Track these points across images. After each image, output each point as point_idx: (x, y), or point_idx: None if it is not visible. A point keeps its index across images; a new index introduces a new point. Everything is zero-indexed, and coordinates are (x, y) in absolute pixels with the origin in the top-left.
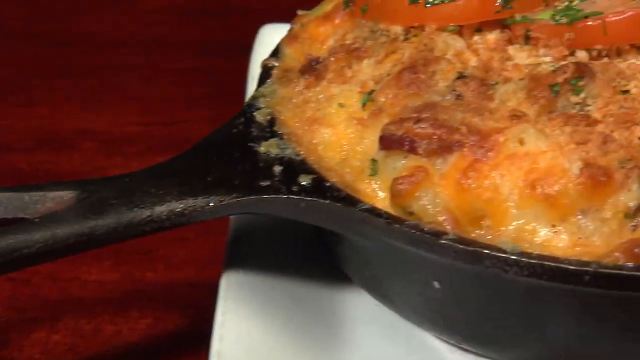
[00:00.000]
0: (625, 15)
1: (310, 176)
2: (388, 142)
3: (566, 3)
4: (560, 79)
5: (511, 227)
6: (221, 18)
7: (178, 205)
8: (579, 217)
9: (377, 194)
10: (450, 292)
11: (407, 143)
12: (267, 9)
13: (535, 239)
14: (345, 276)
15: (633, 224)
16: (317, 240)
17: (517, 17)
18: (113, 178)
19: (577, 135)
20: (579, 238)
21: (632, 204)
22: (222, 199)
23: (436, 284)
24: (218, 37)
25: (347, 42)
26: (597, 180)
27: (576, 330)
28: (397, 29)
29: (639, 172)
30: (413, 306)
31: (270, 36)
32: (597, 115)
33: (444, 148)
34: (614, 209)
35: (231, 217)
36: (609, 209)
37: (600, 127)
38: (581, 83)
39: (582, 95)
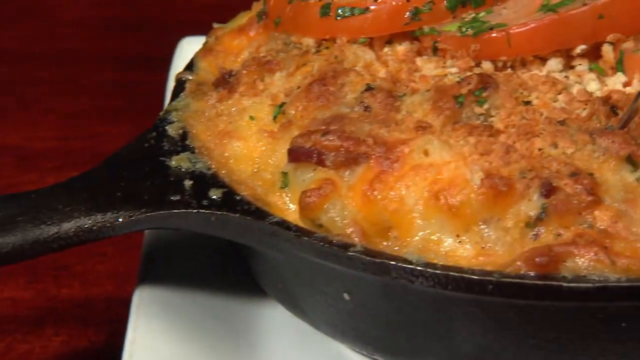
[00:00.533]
0: (528, 27)
1: (221, 190)
2: (296, 155)
3: (473, 15)
4: (464, 90)
5: (417, 238)
6: (141, 31)
7: (86, 222)
8: (482, 226)
9: (288, 207)
10: (359, 304)
11: (315, 155)
12: (187, 21)
13: (441, 249)
14: (261, 289)
15: (534, 233)
16: (233, 253)
17: (426, 29)
18: (20, 194)
19: (480, 145)
20: (483, 247)
21: (532, 213)
22: (131, 214)
23: (346, 296)
24: (137, 50)
25: (260, 54)
26: (498, 190)
27: (483, 339)
28: (309, 41)
29: (539, 182)
30: (325, 318)
31: (189, 49)
32: (500, 125)
33: (351, 160)
34: (515, 219)
35: (145, 231)
36: (510, 219)
37: (502, 138)
38: (485, 94)
39: (486, 106)
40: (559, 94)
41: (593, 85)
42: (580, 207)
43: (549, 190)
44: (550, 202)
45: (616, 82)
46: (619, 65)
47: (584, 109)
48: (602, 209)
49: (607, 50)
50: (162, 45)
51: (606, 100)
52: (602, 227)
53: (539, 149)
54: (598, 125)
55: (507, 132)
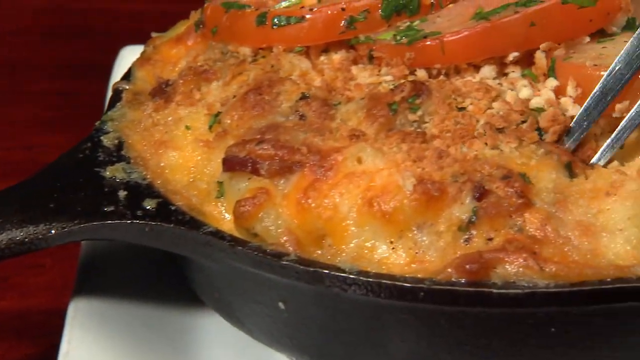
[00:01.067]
0: (461, 35)
1: (156, 200)
2: (231, 164)
3: (407, 23)
4: (397, 98)
5: (351, 245)
6: (83, 39)
7: (18, 234)
8: (415, 232)
9: (224, 216)
10: (295, 313)
11: (249, 164)
12: (130, 30)
13: (375, 256)
14: (198, 298)
15: (466, 236)
16: (170, 263)
17: (361, 37)
18: None
19: (413, 152)
20: (416, 253)
21: (464, 216)
22: (64, 225)
23: (281, 305)
24: (80, 59)
25: (198, 64)
26: (431, 195)
27: (416, 346)
28: (246, 50)
29: (471, 185)
30: (261, 327)
31: (130, 58)
32: (434, 131)
33: (286, 168)
34: (447, 223)
35: (82, 242)
36: (443, 223)
37: (436, 143)
38: (418, 101)
39: (419, 112)
40: (493, 100)
41: (525, 92)
42: (510, 210)
43: (480, 193)
44: (481, 206)
45: (548, 87)
46: (551, 72)
47: (523, 121)
48: (532, 212)
49: (539, 57)
50: (104, 53)
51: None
52: (531, 232)
53: (474, 152)
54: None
55: (442, 136)
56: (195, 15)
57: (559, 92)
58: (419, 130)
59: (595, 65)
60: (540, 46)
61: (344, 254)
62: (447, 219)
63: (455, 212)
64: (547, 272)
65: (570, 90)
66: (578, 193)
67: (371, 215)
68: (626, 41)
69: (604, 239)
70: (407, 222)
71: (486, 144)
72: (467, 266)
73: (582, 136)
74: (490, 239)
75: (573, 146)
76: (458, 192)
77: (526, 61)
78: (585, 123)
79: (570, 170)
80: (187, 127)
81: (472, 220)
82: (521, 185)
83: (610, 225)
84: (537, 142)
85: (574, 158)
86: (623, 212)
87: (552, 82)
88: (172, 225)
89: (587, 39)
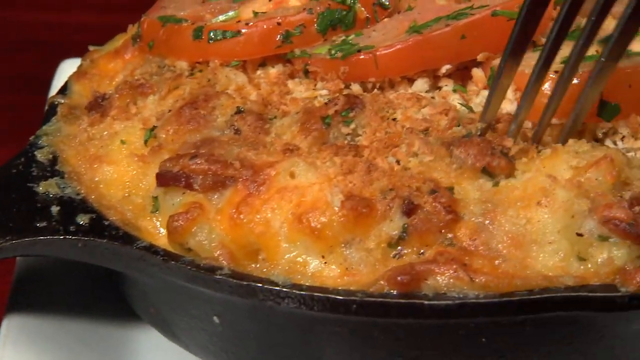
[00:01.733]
0: (393, 49)
1: (89, 215)
2: (164, 179)
3: (343, 38)
4: (331, 111)
5: (284, 260)
6: (27, 52)
7: None
8: (344, 248)
9: (158, 231)
10: (230, 326)
11: (182, 179)
12: (75, 42)
13: (307, 270)
14: (135, 313)
15: (396, 252)
16: (106, 279)
17: (297, 51)
18: None
19: (345, 165)
20: (347, 269)
21: (394, 233)
22: None
23: (215, 319)
24: (22, 72)
25: (135, 78)
26: (359, 212)
27: (350, 357)
28: (183, 64)
29: (400, 201)
30: (196, 341)
31: (70, 71)
32: (365, 143)
33: (219, 183)
34: (377, 239)
35: (16, 258)
36: (372, 240)
37: (366, 153)
38: (351, 114)
39: (352, 125)
40: (424, 108)
41: (459, 106)
42: (440, 226)
43: (409, 209)
44: (410, 222)
45: (481, 101)
46: (491, 82)
47: (445, 119)
48: (462, 226)
49: (475, 71)
50: (45, 66)
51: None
52: (462, 245)
53: (398, 162)
54: (459, 133)
55: (371, 147)
56: (132, 29)
57: None
58: (352, 143)
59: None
60: (478, 57)
61: (278, 268)
62: (377, 235)
63: (385, 229)
64: (477, 283)
65: (509, 93)
66: (507, 202)
67: (301, 231)
68: (561, 49)
69: (533, 251)
70: (336, 238)
71: (410, 150)
72: (399, 278)
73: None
74: (422, 254)
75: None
76: (387, 208)
77: (460, 74)
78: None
79: (489, 174)
80: (123, 142)
81: (402, 236)
82: (448, 199)
83: (540, 237)
84: (459, 149)
85: (492, 158)
86: (553, 225)
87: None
88: (105, 240)
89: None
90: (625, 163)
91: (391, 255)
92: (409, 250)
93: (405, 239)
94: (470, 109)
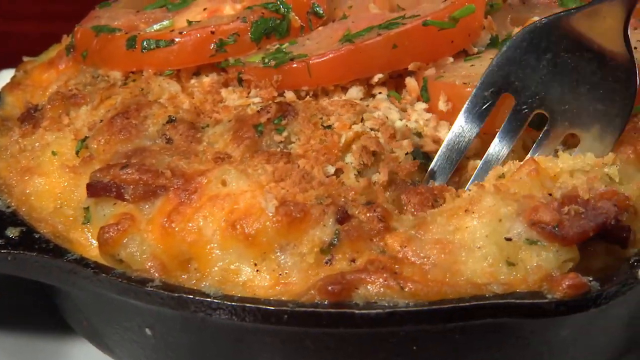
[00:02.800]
0: (326, 57)
1: (19, 228)
2: (95, 190)
3: (277, 46)
4: (263, 119)
5: (216, 269)
6: None
7: None
8: (278, 253)
9: (90, 243)
10: (162, 338)
11: (113, 189)
12: (19, 53)
13: (240, 279)
14: (69, 326)
15: (328, 258)
16: (39, 291)
17: (231, 60)
18: None
19: (277, 173)
20: (280, 275)
21: (326, 238)
22: None
23: (148, 331)
24: None
25: (69, 88)
26: (293, 217)
27: None
28: (116, 74)
29: (334, 208)
30: (130, 354)
31: None
32: (299, 151)
33: (150, 193)
34: (310, 244)
35: None
36: (305, 245)
37: (301, 162)
38: (284, 122)
39: (285, 133)
40: (359, 115)
41: (394, 115)
42: (371, 234)
43: (343, 217)
44: (343, 228)
45: (418, 111)
46: (424, 92)
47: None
48: (393, 235)
49: (409, 81)
50: None
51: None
52: (392, 253)
53: (337, 175)
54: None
55: (307, 156)
56: (66, 39)
57: (432, 108)
58: (284, 150)
59: (465, 83)
60: (409, 66)
61: (209, 278)
62: (310, 240)
63: (318, 234)
64: (407, 291)
65: (441, 104)
66: (438, 213)
67: (234, 237)
68: (492, 58)
69: (462, 256)
70: (270, 244)
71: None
72: (330, 287)
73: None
74: (354, 261)
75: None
76: (321, 214)
77: (394, 82)
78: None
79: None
80: (54, 153)
81: (334, 242)
82: (383, 211)
83: (468, 242)
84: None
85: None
86: (481, 230)
87: (421, 106)
88: (35, 253)
89: (451, 59)
90: (550, 163)
91: (323, 261)
92: (340, 257)
93: (337, 245)
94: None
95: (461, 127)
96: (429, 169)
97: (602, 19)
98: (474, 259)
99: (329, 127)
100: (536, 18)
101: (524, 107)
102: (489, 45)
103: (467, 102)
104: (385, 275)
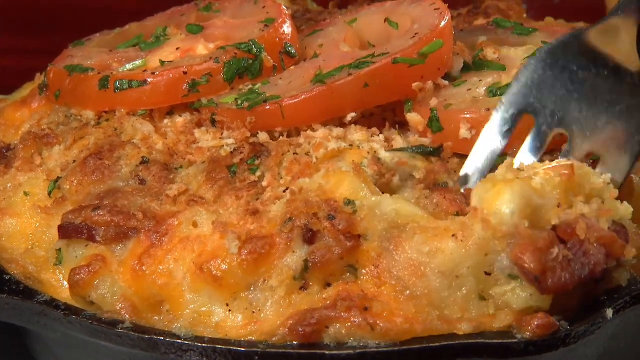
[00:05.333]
0: (299, 99)
1: None
2: (66, 231)
3: (250, 86)
4: (236, 160)
5: (188, 311)
6: None
7: None
8: (249, 292)
9: (62, 284)
10: None
11: (85, 231)
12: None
13: (212, 320)
14: None
15: (302, 285)
16: (10, 332)
17: (204, 101)
18: None
19: (247, 207)
20: (253, 313)
21: (298, 265)
22: None
23: None
24: None
25: (42, 127)
26: (258, 254)
27: None
28: (89, 114)
29: (299, 231)
30: None
31: None
32: (265, 183)
33: (122, 235)
34: (280, 277)
35: None
36: (276, 278)
37: (268, 191)
38: (257, 162)
39: (259, 173)
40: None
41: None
42: (340, 254)
43: (310, 237)
44: (309, 256)
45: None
46: (435, 123)
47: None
48: (363, 252)
49: (411, 116)
50: None
51: None
52: (364, 275)
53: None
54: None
55: (272, 184)
56: (40, 78)
57: (444, 138)
58: (254, 182)
59: (488, 109)
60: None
61: (181, 320)
62: (280, 273)
63: (288, 263)
64: (378, 332)
65: (464, 132)
66: (419, 229)
67: (203, 280)
68: (481, 80)
69: (436, 283)
70: (239, 283)
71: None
72: (300, 329)
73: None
74: (329, 284)
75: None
76: (287, 241)
77: (366, 121)
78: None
79: None
80: (26, 194)
81: (306, 267)
82: (347, 224)
83: (447, 270)
84: None
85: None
86: (466, 260)
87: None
88: (5, 295)
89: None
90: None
91: (298, 288)
92: (314, 282)
93: (309, 271)
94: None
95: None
96: (462, 175)
97: (616, 34)
98: (449, 287)
99: (307, 154)
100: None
101: (544, 126)
102: (464, 70)
103: (488, 124)
104: (355, 314)
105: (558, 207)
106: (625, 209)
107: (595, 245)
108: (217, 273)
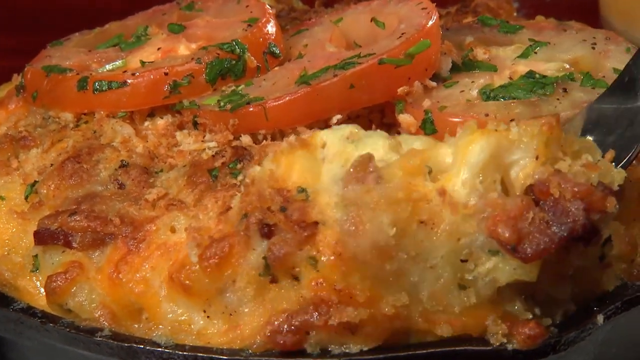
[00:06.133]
0: (283, 100)
1: None
2: (42, 237)
3: (233, 88)
4: (218, 163)
5: (167, 319)
6: None
7: None
8: (222, 296)
9: (39, 291)
10: None
11: (61, 237)
12: None
13: (192, 327)
14: None
15: (270, 278)
16: None
17: (186, 102)
18: None
19: (219, 214)
20: (230, 315)
21: (260, 261)
22: None
23: None
24: None
25: (18, 129)
26: (218, 258)
27: None
28: (68, 116)
29: (255, 227)
30: None
31: None
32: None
33: (99, 241)
34: (246, 276)
35: None
36: (242, 278)
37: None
38: (239, 166)
39: (240, 177)
40: None
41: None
42: (298, 245)
43: (268, 231)
44: (271, 246)
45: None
46: (428, 125)
47: None
48: (322, 236)
49: (403, 117)
50: None
51: None
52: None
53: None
54: None
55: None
56: (17, 79)
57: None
58: (235, 184)
59: (487, 114)
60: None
61: (161, 328)
62: (245, 270)
63: (251, 260)
64: (358, 336)
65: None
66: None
67: (175, 289)
68: (473, 81)
69: (410, 273)
70: (209, 290)
71: None
72: (280, 340)
73: None
74: (296, 278)
75: None
76: (246, 239)
77: (352, 123)
78: None
79: None
80: (2, 198)
81: (268, 264)
82: (300, 214)
83: (420, 259)
84: None
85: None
86: (438, 249)
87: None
88: None
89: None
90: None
91: (268, 282)
92: (282, 273)
93: (272, 265)
94: None
95: None
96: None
97: None
98: (425, 278)
99: None
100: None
101: None
102: (453, 70)
103: None
104: (333, 317)
105: (536, 159)
106: (618, 173)
107: (572, 201)
108: (186, 282)
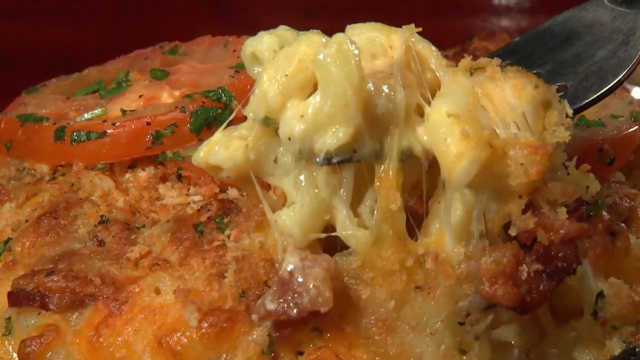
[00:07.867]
0: None
1: None
2: (16, 299)
3: None
4: (203, 218)
5: None
6: None
7: None
8: None
9: (11, 356)
10: None
11: (37, 299)
12: None
13: None
14: None
15: (271, 357)
16: None
17: (169, 154)
18: None
19: (209, 275)
20: None
21: (264, 339)
22: None
23: None
24: None
25: None
26: (220, 328)
27: None
28: (44, 167)
29: (258, 302)
30: None
31: None
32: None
33: (77, 302)
34: (246, 352)
35: None
36: (241, 353)
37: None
38: (226, 220)
39: (227, 232)
40: None
41: None
42: (304, 320)
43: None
44: (273, 331)
45: None
46: None
47: None
48: (324, 316)
49: None
50: None
51: None
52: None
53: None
54: None
55: (236, 248)
56: None
57: None
58: (220, 253)
59: None
60: None
61: None
62: (246, 347)
63: (254, 337)
64: None
65: None
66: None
67: (162, 354)
68: None
69: (411, 339)
70: (200, 359)
71: None
72: None
73: None
74: (301, 353)
75: None
76: (249, 317)
77: None
78: None
79: None
80: None
81: (273, 341)
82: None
83: (419, 325)
84: None
85: None
86: (437, 314)
87: None
88: None
89: None
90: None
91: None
92: (284, 353)
93: (276, 343)
94: None
95: None
96: None
97: None
98: (428, 347)
99: None
100: None
101: None
102: None
103: None
104: None
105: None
106: (593, 183)
107: (561, 244)
108: (176, 347)
